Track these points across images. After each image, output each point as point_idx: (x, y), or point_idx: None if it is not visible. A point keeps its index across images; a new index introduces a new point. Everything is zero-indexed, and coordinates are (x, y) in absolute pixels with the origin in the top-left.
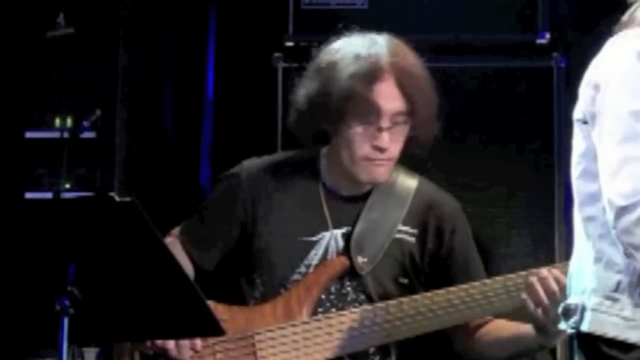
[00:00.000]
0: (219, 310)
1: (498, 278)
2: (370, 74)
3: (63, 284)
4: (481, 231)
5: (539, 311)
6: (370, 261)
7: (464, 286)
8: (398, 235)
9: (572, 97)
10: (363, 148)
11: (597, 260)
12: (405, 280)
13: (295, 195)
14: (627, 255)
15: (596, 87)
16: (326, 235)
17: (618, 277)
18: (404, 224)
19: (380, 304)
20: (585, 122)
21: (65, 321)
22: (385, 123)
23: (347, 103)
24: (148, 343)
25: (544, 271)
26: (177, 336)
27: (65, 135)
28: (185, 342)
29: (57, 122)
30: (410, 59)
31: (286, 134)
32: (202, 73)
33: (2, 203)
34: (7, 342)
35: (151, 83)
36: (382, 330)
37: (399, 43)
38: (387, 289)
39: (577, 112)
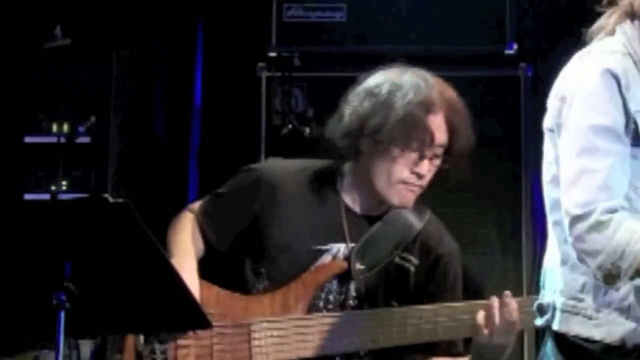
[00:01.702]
0: (221, 296)
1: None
2: (427, 104)
3: (60, 280)
4: (451, 231)
5: (487, 334)
6: (366, 269)
7: (449, 304)
8: (400, 261)
9: (539, 105)
10: (403, 172)
11: (564, 262)
12: (396, 304)
13: (314, 204)
14: (580, 260)
15: (563, 100)
16: (340, 247)
17: (583, 278)
18: (408, 252)
19: (370, 311)
20: (553, 131)
21: (62, 315)
22: (429, 152)
23: (401, 127)
24: None
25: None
26: (167, 329)
27: (62, 140)
28: None
29: (54, 127)
30: (455, 96)
31: (269, 139)
32: (190, 82)
33: (2, 204)
34: (7, 336)
35: (143, 91)
36: (369, 335)
37: (442, 81)
38: (379, 306)
39: (546, 122)
